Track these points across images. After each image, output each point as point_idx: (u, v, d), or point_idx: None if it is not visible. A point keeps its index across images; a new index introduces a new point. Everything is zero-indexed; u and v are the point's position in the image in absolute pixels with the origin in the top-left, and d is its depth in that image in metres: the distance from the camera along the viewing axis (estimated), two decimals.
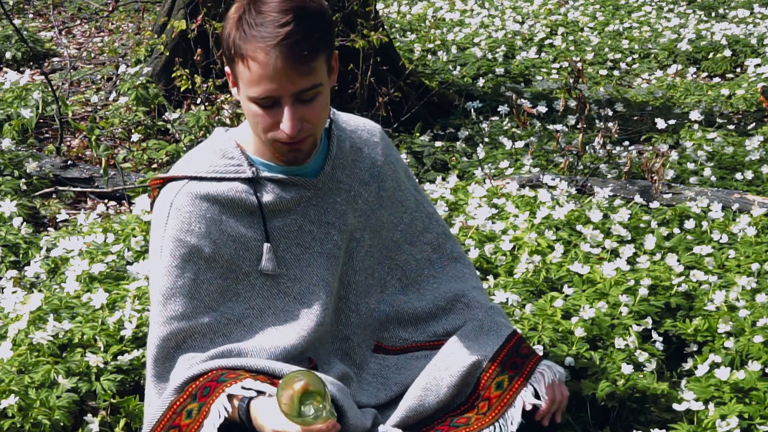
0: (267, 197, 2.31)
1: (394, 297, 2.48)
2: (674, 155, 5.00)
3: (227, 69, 2.24)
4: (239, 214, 2.30)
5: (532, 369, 2.35)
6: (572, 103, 5.36)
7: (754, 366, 2.98)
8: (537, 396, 2.32)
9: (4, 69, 6.84)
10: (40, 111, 5.60)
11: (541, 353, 3.00)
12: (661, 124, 5.42)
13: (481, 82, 6.64)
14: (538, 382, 2.33)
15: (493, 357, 2.36)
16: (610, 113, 5.89)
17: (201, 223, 2.26)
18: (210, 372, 2.21)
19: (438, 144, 5.30)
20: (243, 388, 2.12)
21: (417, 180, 2.61)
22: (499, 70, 6.91)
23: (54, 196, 4.71)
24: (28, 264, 3.74)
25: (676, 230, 3.99)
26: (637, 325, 3.21)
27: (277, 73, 2.13)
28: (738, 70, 7.39)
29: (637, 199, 4.28)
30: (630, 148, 5.40)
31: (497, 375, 2.34)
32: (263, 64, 2.13)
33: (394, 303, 2.47)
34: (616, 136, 5.12)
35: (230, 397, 2.12)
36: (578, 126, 5.09)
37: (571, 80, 5.42)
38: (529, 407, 2.31)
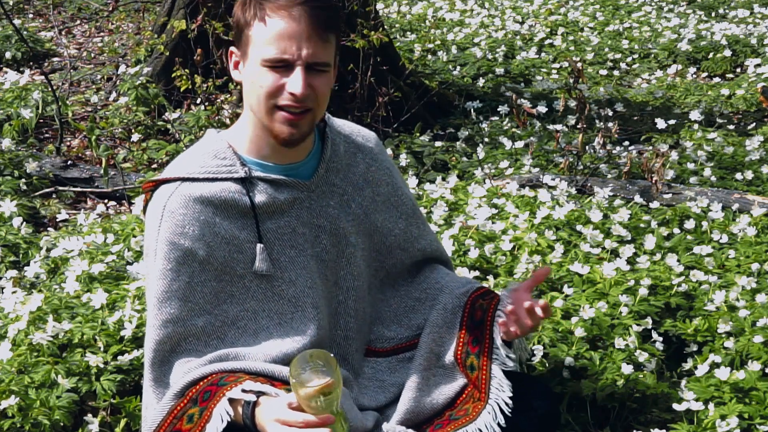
0: (260, 198, 2.30)
1: (375, 297, 2.49)
2: (674, 155, 5.00)
3: (232, 49, 2.24)
4: (232, 216, 2.29)
5: (490, 335, 2.38)
6: (572, 103, 5.35)
7: (754, 366, 2.97)
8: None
9: (4, 69, 6.83)
10: (40, 111, 5.60)
11: (541, 353, 3.01)
12: (661, 124, 5.41)
13: (481, 82, 6.63)
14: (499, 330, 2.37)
15: (457, 339, 2.39)
16: (610, 113, 5.88)
17: (194, 226, 2.25)
18: (210, 376, 2.21)
19: (438, 144, 5.30)
20: (243, 390, 2.12)
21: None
22: (499, 70, 6.90)
23: (54, 196, 4.71)
24: (28, 264, 3.74)
25: (676, 230, 3.99)
26: (637, 325, 3.21)
27: (296, 32, 2.15)
28: (738, 70, 7.38)
29: (637, 199, 4.28)
30: (630, 148, 5.39)
31: (466, 358, 2.38)
32: (284, 20, 2.15)
33: (373, 303, 2.48)
34: (616, 136, 5.12)
35: (232, 400, 2.12)
36: (578, 126, 5.08)
37: (571, 80, 5.41)
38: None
